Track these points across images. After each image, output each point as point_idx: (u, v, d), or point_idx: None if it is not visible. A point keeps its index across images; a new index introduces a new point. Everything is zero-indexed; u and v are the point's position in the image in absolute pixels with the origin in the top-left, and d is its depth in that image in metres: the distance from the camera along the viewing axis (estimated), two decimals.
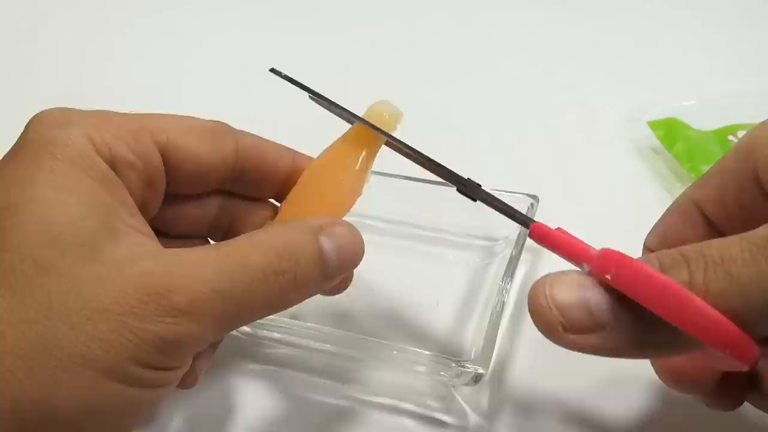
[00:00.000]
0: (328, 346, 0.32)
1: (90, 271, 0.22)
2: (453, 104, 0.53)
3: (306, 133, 0.51)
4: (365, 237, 0.39)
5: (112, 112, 0.26)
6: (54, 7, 0.67)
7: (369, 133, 0.30)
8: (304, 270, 0.24)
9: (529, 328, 0.34)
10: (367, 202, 0.39)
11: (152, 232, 0.26)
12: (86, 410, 0.21)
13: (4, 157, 0.25)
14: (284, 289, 0.24)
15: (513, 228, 0.37)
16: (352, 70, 0.58)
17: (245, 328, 0.33)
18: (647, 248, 0.29)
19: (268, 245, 0.24)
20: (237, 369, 0.33)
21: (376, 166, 0.39)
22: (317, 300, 0.36)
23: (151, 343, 0.21)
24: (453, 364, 0.29)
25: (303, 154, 0.31)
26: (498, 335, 0.31)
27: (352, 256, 0.26)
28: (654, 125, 0.46)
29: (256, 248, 0.23)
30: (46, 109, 0.26)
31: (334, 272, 0.25)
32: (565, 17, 0.64)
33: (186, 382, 0.26)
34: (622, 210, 0.42)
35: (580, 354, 0.33)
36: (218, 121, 0.29)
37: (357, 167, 0.29)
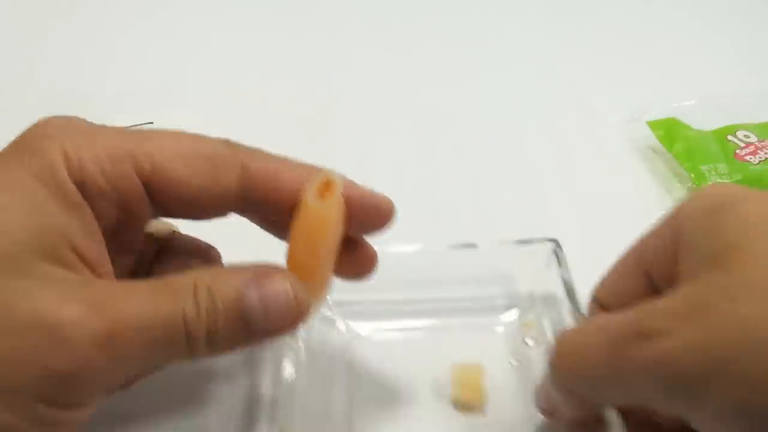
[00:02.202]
0: None
1: (12, 283, 0.21)
2: (452, 104, 0.53)
3: (306, 133, 0.51)
4: (377, 325, 0.34)
5: (104, 128, 0.25)
6: (55, 7, 0.67)
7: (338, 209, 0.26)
8: (223, 318, 0.23)
9: None
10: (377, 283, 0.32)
11: (108, 262, 0.25)
12: None
13: None
14: (200, 330, 0.22)
15: (530, 287, 0.34)
16: (353, 70, 0.58)
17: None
18: (597, 300, 0.28)
19: (191, 286, 0.23)
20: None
21: None
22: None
23: (54, 373, 0.20)
24: None
25: (330, 174, 0.26)
26: None
27: (282, 312, 0.23)
28: (654, 125, 0.46)
29: (179, 288, 0.22)
30: (51, 116, 0.25)
31: (258, 326, 0.23)
32: (564, 17, 0.64)
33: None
34: (622, 210, 0.42)
35: None
36: (225, 142, 0.26)
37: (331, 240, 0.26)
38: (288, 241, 0.26)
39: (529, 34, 0.62)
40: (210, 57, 0.60)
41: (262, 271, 0.24)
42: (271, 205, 0.26)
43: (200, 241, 0.30)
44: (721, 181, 0.41)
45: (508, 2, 0.66)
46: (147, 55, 0.60)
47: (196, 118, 0.51)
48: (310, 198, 0.25)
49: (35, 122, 0.24)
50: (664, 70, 0.55)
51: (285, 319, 0.24)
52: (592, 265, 0.38)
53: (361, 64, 0.58)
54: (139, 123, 0.49)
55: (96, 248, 0.24)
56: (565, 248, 0.34)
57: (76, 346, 0.20)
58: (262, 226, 0.29)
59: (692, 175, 0.42)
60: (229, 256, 0.30)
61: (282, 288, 0.23)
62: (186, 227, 0.30)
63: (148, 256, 0.29)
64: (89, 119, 0.26)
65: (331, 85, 0.55)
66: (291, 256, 0.25)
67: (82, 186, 0.23)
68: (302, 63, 0.58)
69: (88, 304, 0.21)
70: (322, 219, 0.25)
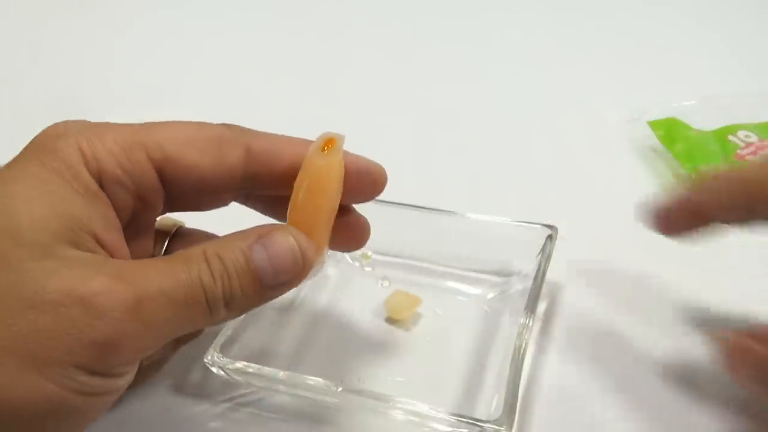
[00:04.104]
0: (333, 400, 0.30)
1: (41, 265, 0.22)
2: (452, 105, 0.53)
3: (306, 133, 0.51)
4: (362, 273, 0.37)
5: (114, 124, 0.26)
6: (54, 7, 0.67)
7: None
8: (237, 281, 0.24)
9: (552, 374, 0.32)
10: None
11: (126, 250, 0.26)
12: (12, 409, 0.21)
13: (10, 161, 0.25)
14: (217, 294, 0.24)
15: (528, 261, 0.35)
16: (353, 71, 0.58)
17: (245, 379, 0.31)
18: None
19: (201, 255, 0.24)
20: (236, 421, 0.31)
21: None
22: (317, 350, 0.33)
23: (91, 341, 0.22)
24: (473, 427, 0.27)
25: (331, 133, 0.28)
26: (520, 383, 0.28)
27: (289, 264, 0.25)
28: (654, 125, 0.46)
29: (192, 258, 0.24)
30: (61, 121, 0.26)
31: (270, 283, 0.25)
32: (565, 18, 0.64)
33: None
34: (622, 210, 0.42)
35: (608, 406, 0.31)
36: (226, 126, 0.28)
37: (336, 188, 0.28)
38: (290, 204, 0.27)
39: (529, 35, 0.62)
40: (210, 58, 0.60)
41: (265, 231, 0.25)
42: (274, 179, 0.28)
43: (206, 232, 0.31)
44: None
45: (508, 3, 0.66)
46: (146, 55, 0.60)
47: (196, 119, 0.51)
48: (314, 151, 0.27)
49: (46, 127, 0.26)
50: (664, 70, 0.55)
51: (293, 273, 0.25)
52: (591, 265, 0.38)
53: (361, 65, 0.58)
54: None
55: (114, 236, 0.25)
56: (564, 247, 0.35)
57: (109, 313, 0.22)
58: (264, 212, 0.31)
59: (693, 175, 0.42)
60: None
61: (287, 244, 0.25)
62: (191, 224, 0.32)
63: (158, 252, 0.30)
64: (88, 119, 0.26)
65: (332, 87, 0.55)
66: (293, 212, 0.27)
67: (99, 178, 0.25)
68: (302, 63, 0.58)
69: (113, 276, 0.22)
70: (325, 170, 0.27)
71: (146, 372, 0.30)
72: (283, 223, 0.27)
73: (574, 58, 0.58)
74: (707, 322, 0.35)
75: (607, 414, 0.31)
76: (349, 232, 0.30)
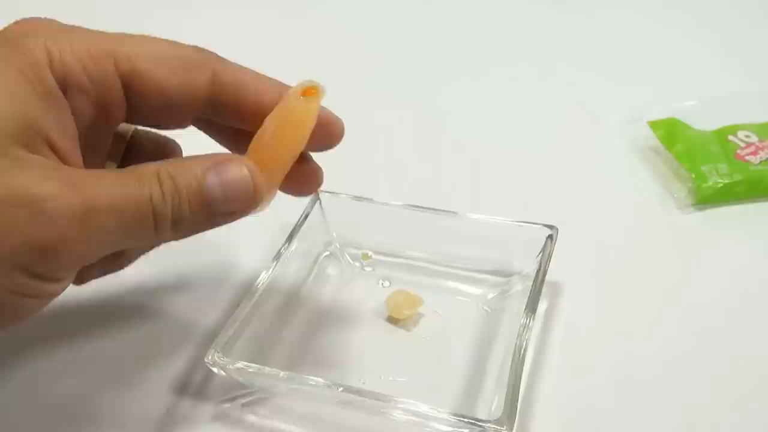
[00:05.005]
0: (333, 400, 0.30)
1: None
2: (453, 105, 0.53)
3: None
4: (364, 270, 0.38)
5: (86, 30, 0.26)
6: (54, 6, 0.67)
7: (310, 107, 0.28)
8: (187, 202, 0.24)
9: (553, 374, 0.32)
10: (367, 233, 0.37)
11: (79, 158, 0.26)
12: None
13: None
14: (166, 213, 0.24)
15: (528, 261, 0.35)
16: (353, 71, 0.58)
17: (246, 379, 0.31)
18: None
19: (154, 174, 0.24)
20: (237, 422, 0.31)
21: (373, 195, 0.37)
22: (317, 350, 0.34)
23: (35, 244, 0.22)
24: (474, 427, 0.27)
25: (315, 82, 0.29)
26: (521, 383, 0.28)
27: (240, 194, 0.25)
28: (654, 125, 0.46)
29: (144, 174, 0.24)
30: (31, 16, 0.26)
31: (219, 209, 0.25)
32: (564, 17, 0.64)
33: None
34: (622, 210, 0.42)
35: (609, 406, 0.31)
36: (198, 49, 0.28)
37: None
38: (254, 137, 0.27)
39: (529, 35, 0.62)
40: None
41: (221, 159, 0.25)
42: (237, 111, 0.28)
43: (162, 136, 0.32)
44: (721, 181, 0.41)
45: (508, 3, 0.66)
46: None
47: None
48: (294, 95, 0.27)
49: (15, 21, 0.26)
50: (664, 70, 0.55)
51: (243, 203, 0.26)
52: (592, 265, 0.38)
53: (361, 64, 0.58)
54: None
55: (69, 143, 0.25)
56: (565, 247, 0.35)
57: (55, 219, 0.22)
58: (221, 143, 0.31)
59: (693, 175, 0.42)
60: None
61: (241, 174, 0.25)
62: None
63: (116, 159, 0.30)
64: None
65: (331, 86, 0.55)
66: (257, 147, 0.27)
67: (63, 82, 0.25)
68: (302, 63, 0.58)
69: (64, 182, 0.22)
70: (302, 116, 0.27)
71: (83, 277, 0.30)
72: (240, 155, 0.27)
73: (574, 58, 0.58)
74: (708, 321, 0.35)
75: (607, 414, 0.31)
76: (302, 178, 0.31)
